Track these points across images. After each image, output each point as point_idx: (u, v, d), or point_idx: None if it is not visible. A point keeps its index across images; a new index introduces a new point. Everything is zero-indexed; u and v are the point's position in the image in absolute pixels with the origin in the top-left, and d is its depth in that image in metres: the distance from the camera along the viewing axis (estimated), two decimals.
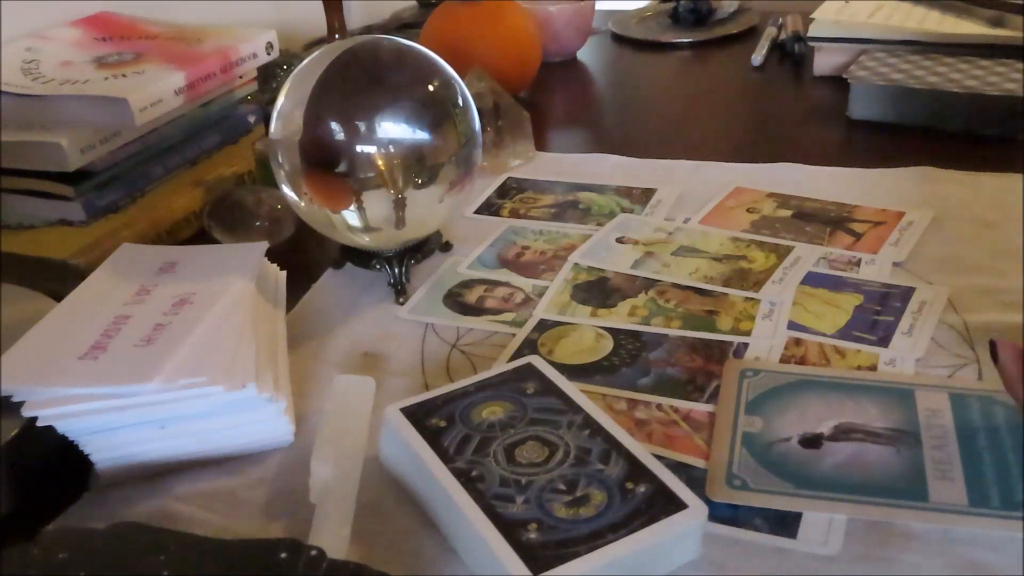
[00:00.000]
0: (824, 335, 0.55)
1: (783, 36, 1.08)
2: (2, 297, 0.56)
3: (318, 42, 1.02)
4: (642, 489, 0.41)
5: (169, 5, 0.89)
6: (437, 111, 0.58)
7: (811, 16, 0.97)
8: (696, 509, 0.40)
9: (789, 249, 0.64)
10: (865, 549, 0.41)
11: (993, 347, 0.45)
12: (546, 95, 1.00)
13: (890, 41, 0.91)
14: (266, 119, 0.78)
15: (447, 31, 0.92)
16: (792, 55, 1.04)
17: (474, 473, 0.42)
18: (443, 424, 0.45)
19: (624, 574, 0.39)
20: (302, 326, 0.60)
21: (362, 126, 0.55)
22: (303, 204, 0.59)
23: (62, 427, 0.46)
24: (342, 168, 0.56)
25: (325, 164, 0.56)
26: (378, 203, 0.57)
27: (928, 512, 0.42)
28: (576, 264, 0.64)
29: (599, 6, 1.14)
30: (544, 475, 0.42)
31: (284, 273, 0.60)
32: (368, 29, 1.17)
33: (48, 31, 0.81)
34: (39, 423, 0.45)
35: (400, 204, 0.57)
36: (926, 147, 0.78)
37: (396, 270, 0.62)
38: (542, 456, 0.43)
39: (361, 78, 0.57)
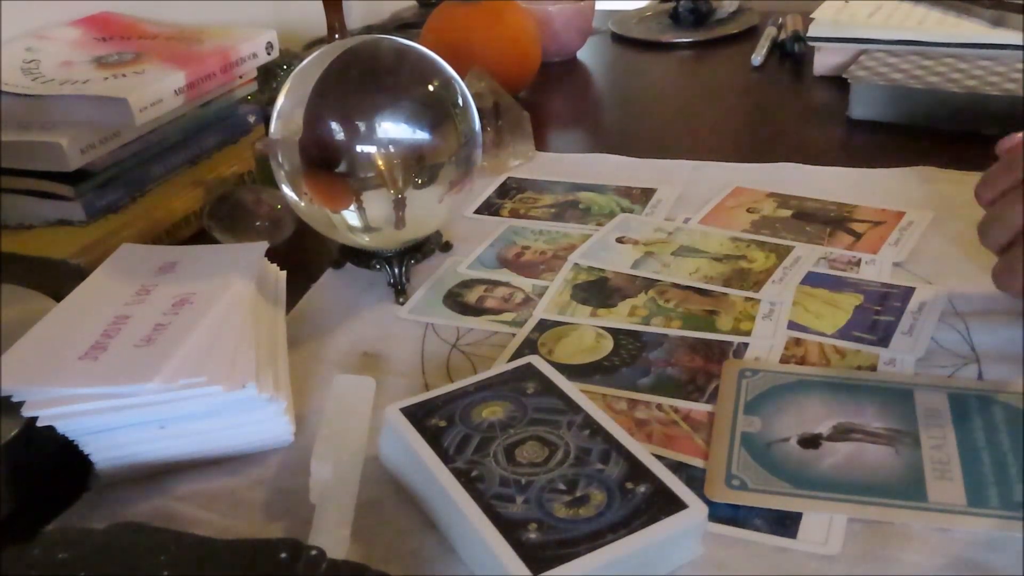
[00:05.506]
0: (824, 335, 0.55)
1: (783, 36, 1.08)
2: (2, 297, 0.56)
3: (318, 42, 1.02)
4: (642, 489, 0.41)
5: (169, 5, 0.88)
6: (437, 111, 0.58)
7: (811, 16, 0.96)
8: (696, 509, 0.40)
9: (789, 249, 0.64)
10: (865, 549, 0.41)
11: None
12: (546, 95, 1.00)
13: (890, 41, 0.91)
14: (266, 119, 0.78)
15: (447, 31, 0.92)
16: (792, 55, 1.04)
17: (474, 473, 0.42)
18: (443, 424, 0.45)
19: (624, 574, 0.39)
20: (302, 326, 0.60)
21: (362, 126, 0.55)
22: (303, 204, 0.59)
23: (62, 427, 0.46)
24: (342, 168, 0.56)
25: (325, 164, 0.56)
26: (378, 203, 0.57)
27: (927, 512, 0.42)
28: (576, 264, 0.64)
29: (599, 6, 1.14)
30: (544, 475, 0.42)
31: (284, 273, 0.60)
32: (368, 29, 1.17)
33: (48, 31, 0.81)
34: (39, 423, 0.45)
35: (400, 204, 0.57)
36: (926, 147, 0.78)
37: (396, 270, 0.62)
38: (542, 456, 0.43)
39: (361, 78, 0.57)
